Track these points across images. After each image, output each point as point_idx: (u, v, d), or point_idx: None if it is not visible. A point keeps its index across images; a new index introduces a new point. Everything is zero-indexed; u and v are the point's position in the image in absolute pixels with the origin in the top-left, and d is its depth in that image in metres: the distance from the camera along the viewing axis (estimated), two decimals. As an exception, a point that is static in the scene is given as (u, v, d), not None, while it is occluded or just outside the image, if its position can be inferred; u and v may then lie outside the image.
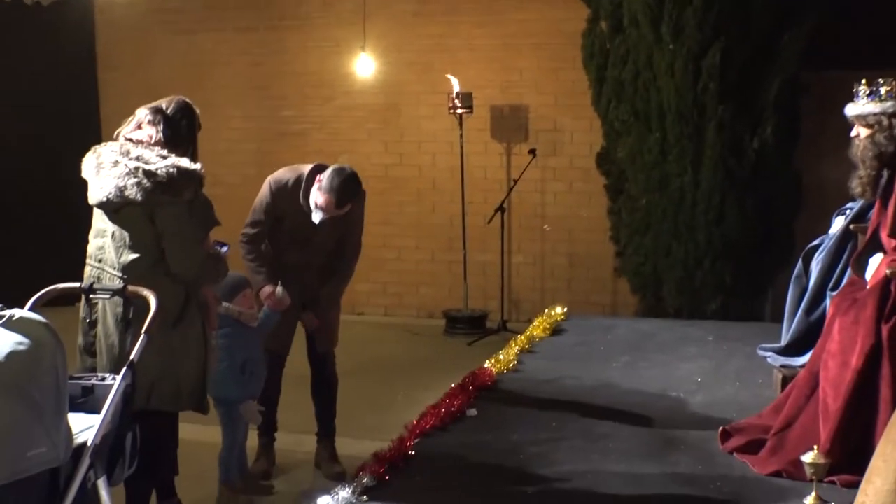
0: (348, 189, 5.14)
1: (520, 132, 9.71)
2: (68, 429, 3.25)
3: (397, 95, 10.03)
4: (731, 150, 7.94)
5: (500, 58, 9.71)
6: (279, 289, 5.14)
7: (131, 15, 10.58)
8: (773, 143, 7.94)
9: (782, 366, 5.44)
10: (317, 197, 5.14)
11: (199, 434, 5.11)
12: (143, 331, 3.74)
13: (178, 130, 4.34)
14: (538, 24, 9.53)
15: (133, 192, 4.02)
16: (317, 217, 5.17)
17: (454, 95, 9.15)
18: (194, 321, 4.23)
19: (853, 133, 4.75)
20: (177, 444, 4.51)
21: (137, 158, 4.09)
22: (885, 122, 4.55)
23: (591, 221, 9.51)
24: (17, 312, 3.24)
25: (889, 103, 4.56)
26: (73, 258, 9.67)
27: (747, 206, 8.02)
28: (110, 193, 4.07)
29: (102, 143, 4.30)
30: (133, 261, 4.12)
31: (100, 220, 4.25)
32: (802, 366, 4.89)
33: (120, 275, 4.11)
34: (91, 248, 4.31)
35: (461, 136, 9.44)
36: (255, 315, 5.08)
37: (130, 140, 4.30)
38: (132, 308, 4.01)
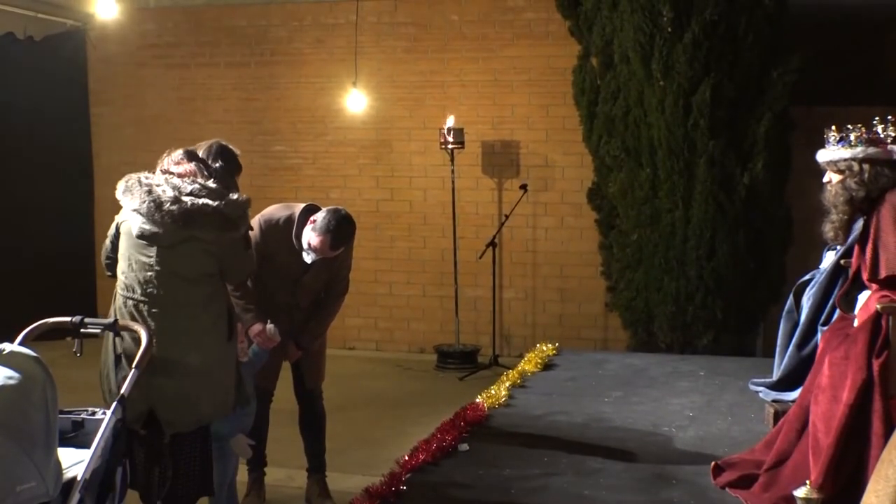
0: (343, 231, 5.14)
1: (511, 168, 9.74)
2: (58, 463, 3.23)
3: (389, 131, 10.06)
4: (721, 185, 7.98)
5: (491, 94, 9.76)
6: (270, 326, 5.13)
7: (124, 49, 10.63)
8: (763, 179, 7.98)
9: (774, 400, 5.44)
10: (310, 237, 5.13)
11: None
12: (133, 366, 3.74)
13: (221, 168, 4.59)
14: (529, 60, 9.59)
15: (202, 230, 4.15)
16: (308, 258, 5.18)
17: (445, 131, 9.18)
18: (233, 346, 4.50)
19: (825, 178, 4.76)
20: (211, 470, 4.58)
21: (193, 194, 4.19)
22: (856, 167, 4.56)
23: (582, 256, 9.52)
24: (8, 347, 3.24)
25: (859, 149, 4.56)
26: (65, 290, 9.79)
27: (738, 242, 8.04)
28: (175, 229, 4.14)
29: (142, 175, 4.33)
30: (194, 291, 4.25)
31: (139, 254, 4.25)
32: (794, 400, 4.89)
33: (180, 306, 4.22)
34: (128, 280, 4.29)
35: (452, 171, 9.46)
36: (245, 350, 5.07)
37: (171, 174, 4.36)
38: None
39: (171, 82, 10.64)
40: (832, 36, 8.61)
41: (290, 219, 5.27)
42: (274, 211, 5.38)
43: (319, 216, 5.15)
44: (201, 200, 4.14)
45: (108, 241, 4.52)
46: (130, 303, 4.25)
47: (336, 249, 5.16)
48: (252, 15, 10.34)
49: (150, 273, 4.22)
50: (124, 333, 4.13)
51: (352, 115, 9.90)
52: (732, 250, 8.03)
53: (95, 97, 10.86)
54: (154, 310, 4.20)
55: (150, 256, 4.21)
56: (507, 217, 9.38)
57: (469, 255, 9.52)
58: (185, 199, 4.13)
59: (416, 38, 9.91)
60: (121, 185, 4.32)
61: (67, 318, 3.95)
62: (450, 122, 9.20)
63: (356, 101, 9.68)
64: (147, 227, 4.18)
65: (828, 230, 4.72)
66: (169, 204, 4.12)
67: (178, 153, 4.47)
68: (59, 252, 10.25)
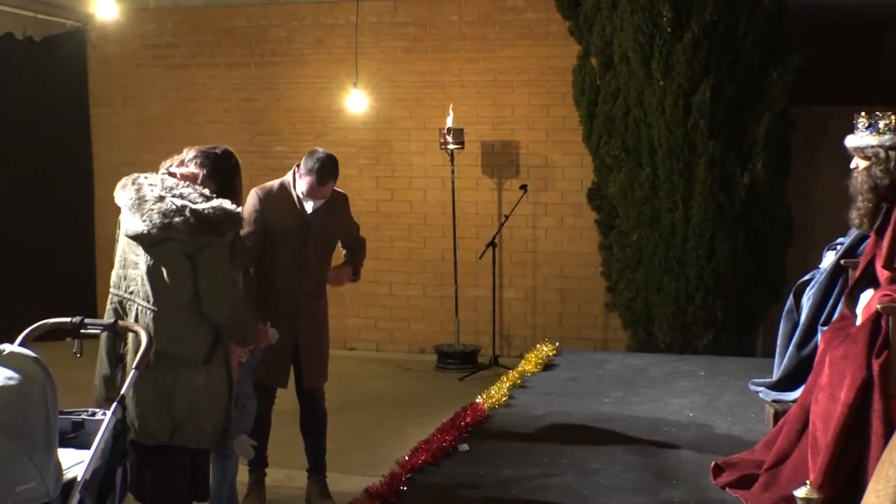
0: (323, 166, 5.33)
1: (511, 168, 9.74)
2: (58, 464, 3.23)
3: (389, 131, 10.06)
4: (721, 185, 7.98)
5: (491, 94, 9.76)
6: (271, 330, 5.12)
7: (124, 50, 10.64)
8: (763, 179, 7.98)
9: (774, 400, 5.44)
10: (300, 185, 5.35)
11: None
12: (133, 366, 3.74)
13: (221, 173, 4.39)
14: (529, 60, 9.59)
15: (179, 230, 4.00)
16: (308, 206, 5.36)
17: (445, 131, 9.18)
18: (221, 362, 4.21)
19: (852, 165, 4.77)
20: (206, 478, 4.48)
21: (182, 196, 4.08)
22: (882, 154, 4.58)
23: (582, 257, 9.53)
24: (8, 347, 3.24)
25: (887, 136, 4.59)
26: (65, 290, 9.79)
27: (738, 242, 8.04)
28: (153, 228, 4.03)
29: (140, 175, 4.25)
30: (169, 296, 4.10)
31: (130, 252, 4.20)
32: (794, 400, 4.89)
33: (153, 308, 4.09)
34: (116, 278, 4.27)
35: (452, 171, 9.46)
36: (245, 350, 5.07)
37: (173, 175, 4.28)
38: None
39: (171, 83, 10.64)
40: (832, 36, 8.61)
41: (282, 184, 5.46)
42: (265, 183, 5.56)
43: (302, 162, 5.39)
44: (182, 201, 4.05)
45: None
46: (115, 299, 4.23)
47: (323, 185, 5.33)
48: (252, 15, 10.34)
49: (135, 271, 4.17)
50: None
51: (352, 116, 9.90)
52: (732, 250, 8.03)
53: (95, 97, 10.86)
54: (134, 308, 4.15)
55: (139, 255, 4.16)
56: (507, 217, 9.38)
57: (469, 255, 9.52)
58: (169, 197, 4.06)
59: (416, 38, 9.91)
60: (119, 185, 4.27)
61: (67, 319, 3.94)
62: (449, 122, 9.20)
63: (356, 102, 9.67)
64: (133, 224, 4.13)
65: (854, 217, 4.73)
66: (152, 202, 4.06)
67: (192, 154, 4.43)
68: (59, 252, 10.25)
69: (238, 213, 4.19)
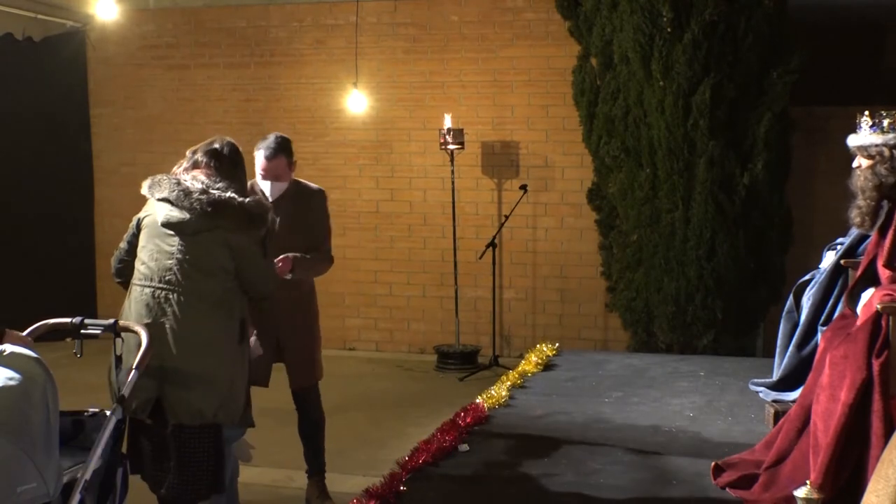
0: (271, 141, 5.37)
1: (511, 168, 9.74)
2: (58, 464, 3.23)
3: (389, 132, 10.06)
4: (721, 185, 7.98)
5: (491, 94, 9.76)
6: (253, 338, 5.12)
7: (123, 50, 10.64)
8: (763, 179, 7.98)
9: (774, 400, 5.44)
10: (257, 169, 5.37)
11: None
12: (133, 366, 3.75)
13: (231, 167, 4.57)
14: (529, 60, 9.59)
15: (228, 219, 4.30)
16: (266, 187, 5.34)
17: (445, 131, 9.18)
18: (246, 341, 4.55)
19: (854, 164, 4.77)
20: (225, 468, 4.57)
21: (221, 190, 4.36)
22: (887, 153, 4.58)
23: (582, 257, 9.53)
24: (9, 348, 3.24)
25: (891, 135, 4.58)
26: (66, 290, 9.79)
27: (738, 242, 8.04)
28: (200, 217, 4.28)
29: (164, 175, 4.45)
30: (207, 280, 4.32)
31: (164, 243, 4.36)
32: (794, 401, 4.89)
33: (192, 293, 4.30)
34: (148, 270, 4.37)
35: (452, 171, 9.47)
36: None
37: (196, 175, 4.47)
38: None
39: (171, 83, 10.64)
40: (832, 36, 8.61)
41: (253, 182, 5.41)
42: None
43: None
44: (227, 194, 4.32)
45: (123, 244, 4.57)
46: (148, 291, 4.32)
47: (272, 160, 5.32)
48: (252, 16, 10.34)
49: (170, 261, 4.32)
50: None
51: (352, 116, 9.90)
52: (732, 250, 8.03)
53: (95, 98, 10.86)
54: (170, 297, 4.28)
55: (172, 245, 4.33)
56: (506, 217, 9.38)
57: (469, 255, 9.52)
58: (212, 191, 4.31)
59: (416, 38, 9.91)
60: (146, 183, 4.46)
61: (68, 319, 3.96)
62: (449, 122, 9.20)
63: (356, 102, 9.67)
64: (175, 213, 4.31)
65: (854, 215, 4.73)
66: (198, 193, 4.29)
67: (201, 156, 4.50)
68: (60, 252, 10.25)
69: (269, 206, 4.59)
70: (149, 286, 4.34)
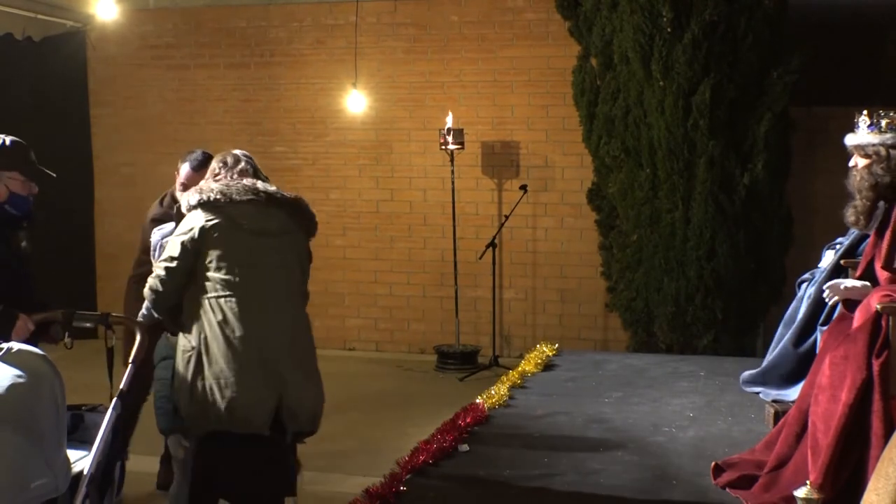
0: (199, 156, 5.55)
1: (511, 168, 9.74)
2: (66, 459, 3.28)
3: (389, 132, 10.06)
4: (721, 185, 7.98)
5: (491, 94, 9.76)
6: None
7: (123, 50, 10.64)
8: (763, 179, 7.98)
9: (774, 400, 5.45)
10: (180, 180, 5.53)
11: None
12: (129, 361, 3.77)
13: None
14: (529, 60, 9.59)
15: (304, 221, 4.47)
16: (184, 198, 5.34)
17: (445, 131, 9.18)
18: None
19: (851, 163, 4.77)
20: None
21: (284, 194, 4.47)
22: (883, 152, 4.58)
23: (582, 257, 9.53)
24: (15, 346, 3.26)
25: (888, 135, 4.59)
26: (66, 290, 9.78)
27: (738, 242, 8.04)
28: (283, 220, 4.39)
29: (214, 184, 4.43)
30: (300, 284, 4.46)
31: (242, 251, 4.26)
32: (794, 401, 4.89)
33: (295, 299, 4.40)
34: (234, 277, 4.21)
35: (452, 172, 9.47)
36: None
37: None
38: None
39: (171, 83, 10.64)
40: (832, 36, 8.60)
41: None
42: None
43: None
44: (293, 195, 4.46)
45: (177, 262, 4.25)
46: (233, 300, 4.17)
47: (198, 171, 5.39)
48: (252, 16, 10.34)
49: (248, 270, 4.25)
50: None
51: (352, 116, 9.90)
52: (732, 250, 8.03)
53: (95, 98, 10.86)
54: (269, 304, 4.26)
55: (264, 248, 4.33)
56: (507, 217, 9.38)
57: (469, 255, 9.52)
58: (279, 196, 4.39)
59: (416, 38, 9.91)
60: (193, 197, 4.31)
61: (57, 312, 4.01)
62: (449, 122, 9.20)
63: (356, 102, 9.67)
64: (259, 221, 4.32)
65: (850, 215, 4.73)
66: (279, 195, 4.39)
67: (245, 164, 4.58)
68: (60, 252, 10.23)
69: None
70: (236, 295, 4.19)
